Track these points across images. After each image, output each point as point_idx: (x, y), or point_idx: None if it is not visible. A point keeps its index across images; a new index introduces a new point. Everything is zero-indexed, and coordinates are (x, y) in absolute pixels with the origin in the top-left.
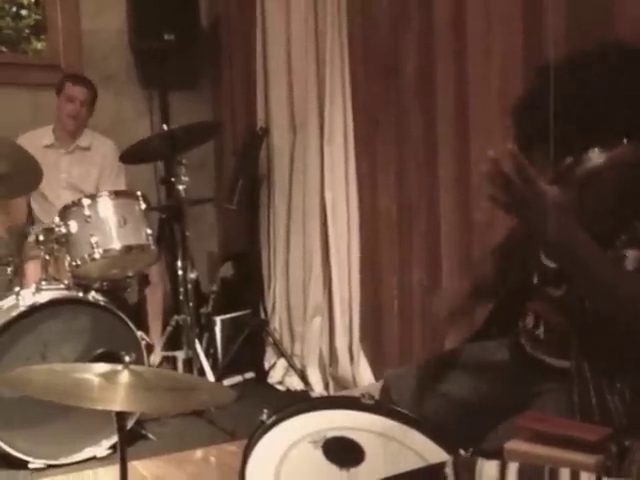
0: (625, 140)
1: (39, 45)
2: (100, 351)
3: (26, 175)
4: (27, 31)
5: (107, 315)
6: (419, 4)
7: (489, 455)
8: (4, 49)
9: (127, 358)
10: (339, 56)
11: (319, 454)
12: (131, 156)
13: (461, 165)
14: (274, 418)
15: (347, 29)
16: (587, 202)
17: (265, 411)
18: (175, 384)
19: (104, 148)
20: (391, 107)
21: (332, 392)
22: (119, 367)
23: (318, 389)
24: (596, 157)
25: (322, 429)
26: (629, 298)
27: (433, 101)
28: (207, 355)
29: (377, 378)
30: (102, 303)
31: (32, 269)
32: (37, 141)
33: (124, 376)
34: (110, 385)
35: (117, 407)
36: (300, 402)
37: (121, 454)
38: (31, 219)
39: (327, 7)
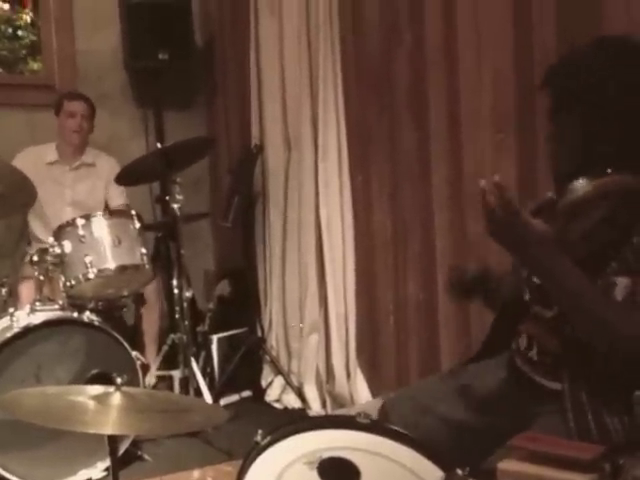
0: (609, 170)
1: (35, 66)
2: (95, 372)
3: (20, 195)
4: (24, 52)
5: (102, 335)
6: (410, 19)
7: (484, 475)
8: (0, 70)
9: (119, 380)
10: (332, 72)
11: (314, 475)
12: (126, 177)
13: (455, 180)
14: (268, 439)
15: (339, 45)
16: (574, 232)
17: (259, 432)
18: (168, 406)
19: (108, 164)
20: (384, 123)
21: (330, 410)
22: (111, 389)
23: (315, 407)
24: (581, 187)
25: (317, 449)
26: (614, 327)
27: (426, 116)
28: (204, 374)
29: (374, 395)
30: (97, 323)
31: (26, 290)
32: (40, 157)
33: (116, 398)
34: (102, 408)
35: (109, 430)
36: (295, 422)
37: (114, 477)
38: (27, 238)
39: (319, 24)
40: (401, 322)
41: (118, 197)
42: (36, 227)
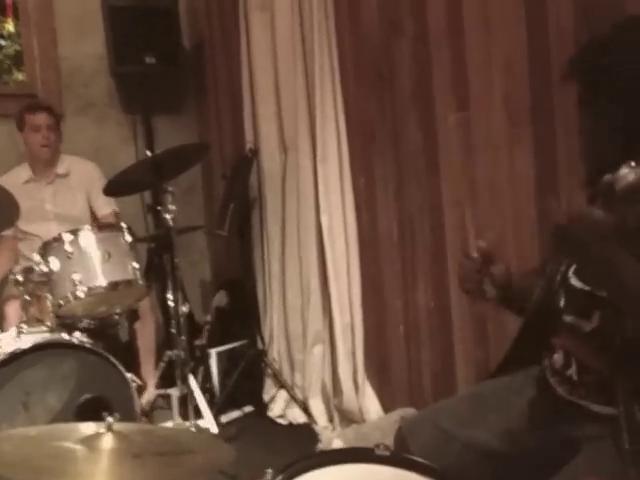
0: None
1: (20, 76)
2: (87, 397)
3: (3, 210)
4: (8, 62)
5: (94, 358)
6: (411, 9)
7: None
8: None
9: (110, 419)
10: (329, 69)
11: None
12: (116, 187)
13: (466, 178)
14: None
15: (336, 39)
16: (633, 220)
17: (269, 471)
18: (167, 446)
19: (84, 169)
20: (387, 120)
21: (337, 425)
22: (102, 429)
23: (322, 422)
24: (632, 172)
25: None
26: None
27: (432, 113)
28: (203, 390)
29: (386, 410)
30: (88, 345)
31: (12, 310)
32: (15, 180)
33: (108, 441)
34: (92, 454)
35: None
36: (308, 457)
37: None
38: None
39: (314, 17)
40: (412, 332)
41: (105, 204)
42: (22, 245)
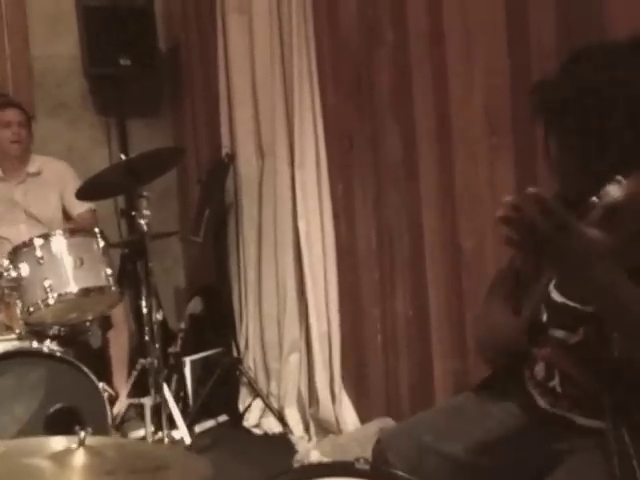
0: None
1: None
2: (57, 407)
3: None
4: None
5: (64, 367)
6: (392, 16)
7: None
8: None
9: (82, 434)
10: (307, 73)
11: None
12: (89, 192)
13: (445, 186)
14: None
15: (315, 43)
16: (618, 239)
17: None
18: (141, 462)
19: (56, 168)
20: (366, 126)
21: (313, 435)
22: (73, 445)
23: (298, 432)
24: (614, 190)
25: None
26: None
27: (412, 119)
28: (177, 399)
29: (362, 420)
30: (58, 354)
31: None
32: None
33: (79, 457)
34: (62, 472)
35: None
36: (286, 472)
37: None
38: None
39: (292, 21)
40: (390, 341)
41: (80, 204)
42: None
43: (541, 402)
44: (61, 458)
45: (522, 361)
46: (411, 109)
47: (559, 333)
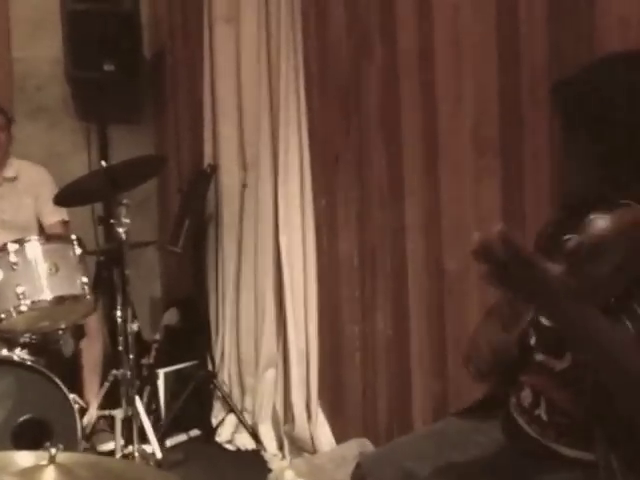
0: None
1: None
2: (26, 417)
3: None
4: None
5: (35, 376)
6: (381, 33)
7: None
8: None
9: (53, 450)
10: (294, 87)
11: None
12: (67, 198)
13: (431, 206)
14: None
15: (302, 58)
16: (591, 279)
17: None
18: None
19: (33, 174)
20: (352, 142)
21: (287, 453)
22: (43, 461)
23: (271, 449)
24: (599, 223)
25: None
26: None
27: (399, 136)
28: (148, 411)
29: (338, 440)
30: (29, 363)
31: None
32: None
33: (49, 474)
34: None
35: None
36: None
37: None
38: None
39: (281, 34)
40: (369, 360)
41: (54, 212)
42: None
43: (527, 430)
44: (30, 475)
45: (509, 383)
46: (398, 126)
47: (546, 359)
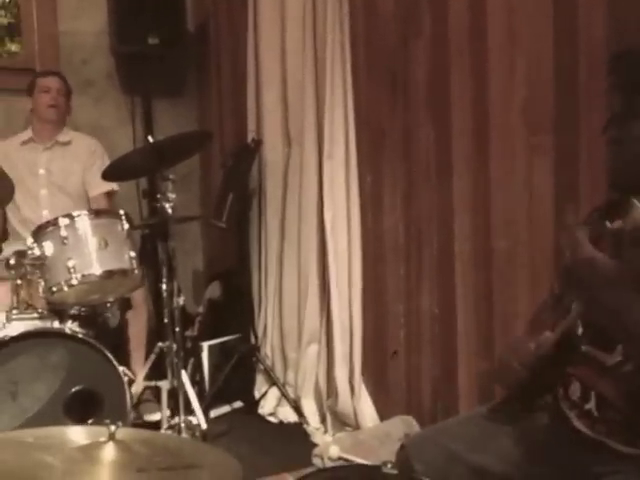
0: None
1: (13, 47)
2: (77, 389)
3: None
4: (1, 32)
5: (85, 349)
6: (431, 6)
7: None
8: None
9: (112, 427)
10: (340, 60)
11: None
12: (115, 173)
13: (480, 185)
14: None
15: (349, 30)
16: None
17: None
18: (170, 459)
19: (86, 143)
20: (399, 117)
21: (330, 427)
22: (103, 437)
23: (314, 422)
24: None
25: None
26: None
27: (447, 114)
28: (193, 384)
29: (382, 417)
30: (80, 335)
31: (2, 293)
32: (15, 141)
33: (109, 451)
34: (92, 467)
35: None
36: (312, 475)
37: None
38: (6, 234)
39: (327, 6)
40: (413, 338)
41: (99, 185)
42: (14, 220)
43: (577, 424)
44: (90, 452)
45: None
46: (447, 104)
47: (596, 353)
